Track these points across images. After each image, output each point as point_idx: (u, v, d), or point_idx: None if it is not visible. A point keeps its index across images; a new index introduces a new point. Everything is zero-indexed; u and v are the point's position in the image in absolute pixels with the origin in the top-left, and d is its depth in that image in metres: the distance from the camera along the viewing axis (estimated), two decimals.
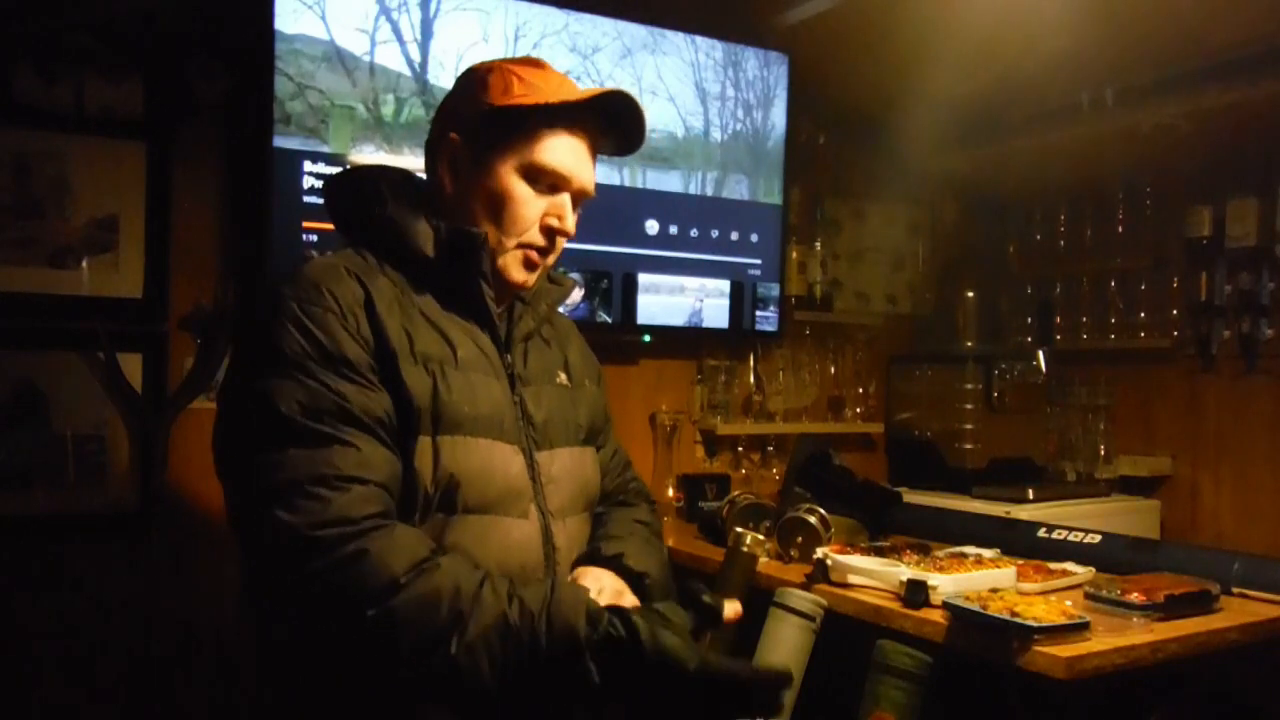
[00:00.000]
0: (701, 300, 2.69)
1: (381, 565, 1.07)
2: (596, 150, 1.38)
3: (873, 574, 1.72)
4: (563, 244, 1.37)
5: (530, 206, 1.31)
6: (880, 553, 1.86)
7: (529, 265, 1.34)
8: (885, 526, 2.23)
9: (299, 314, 1.17)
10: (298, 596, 1.11)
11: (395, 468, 1.17)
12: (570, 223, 1.34)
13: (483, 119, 1.31)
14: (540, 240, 1.33)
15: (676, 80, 2.63)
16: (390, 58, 2.26)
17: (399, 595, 1.07)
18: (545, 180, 1.32)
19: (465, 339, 1.30)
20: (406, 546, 1.10)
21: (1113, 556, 1.87)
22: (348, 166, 2.19)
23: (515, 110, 1.29)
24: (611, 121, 1.37)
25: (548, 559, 1.28)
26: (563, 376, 1.44)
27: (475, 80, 1.34)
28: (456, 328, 1.30)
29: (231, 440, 1.18)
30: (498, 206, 1.31)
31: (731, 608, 1.25)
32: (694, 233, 2.67)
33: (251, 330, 1.22)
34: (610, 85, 2.49)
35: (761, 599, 1.62)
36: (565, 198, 1.33)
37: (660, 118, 2.60)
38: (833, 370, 3.04)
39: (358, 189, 1.36)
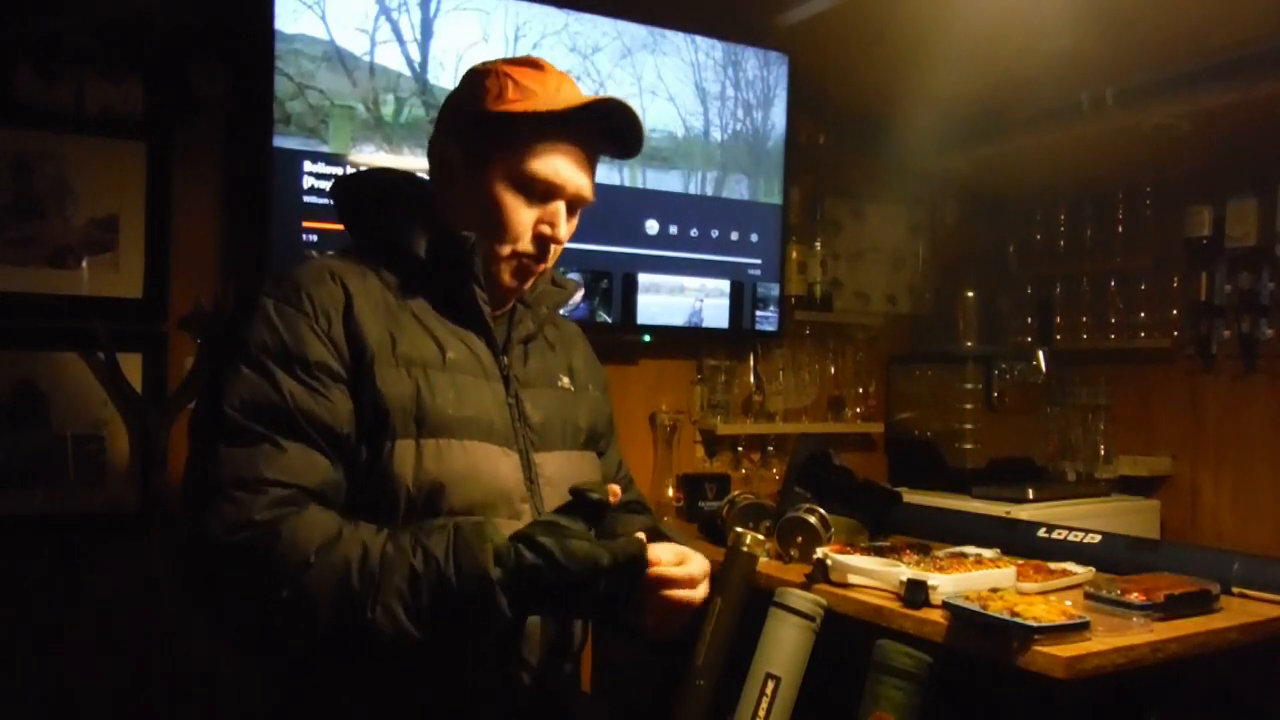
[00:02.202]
0: (701, 300, 2.69)
1: (292, 547, 1.09)
2: (595, 156, 1.37)
3: (873, 574, 1.72)
4: (558, 251, 1.37)
5: (521, 215, 1.31)
6: (880, 553, 1.86)
7: (521, 273, 1.34)
8: (885, 526, 2.23)
9: (270, 311, 1.19)
10: (216, 586, 1.13)
11: (328, 475, 1.17)
12: (562, 231, 1.34)
13: (476, 124, 1.30)
14: (531, 249, 1.32)
15: (676, 80, 2.63)
16: (390, 58, 2.26)
17: (310, 572, 1.08)
18: (537, 189, 1.31)
19: (456, 341, 1.30)
20: (316, 525, 1.12)
21: (1113, 556, 1.87)
22: (349, 166, 2.20)
23: (507, 117, 1.28)
24: (608, 128, 1.35)
25: None
26: (565, 380, 1.44)
27: (472, 83, 1.34)
28: (448, 330, 1.30)
29: (190, 427, 1.21)
30: (489, 214, 1.30)
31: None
32: (694, 233, 2.67)
33: (229, 323, 1.24)
34: (610, 84, 2.52)
35: (761, 599, 1.62)
36: (559, 205, 1.33)
37: (660, 118, 2.60)
38: (833, 370, 3.04)
39: (359, 191, 1.38)
